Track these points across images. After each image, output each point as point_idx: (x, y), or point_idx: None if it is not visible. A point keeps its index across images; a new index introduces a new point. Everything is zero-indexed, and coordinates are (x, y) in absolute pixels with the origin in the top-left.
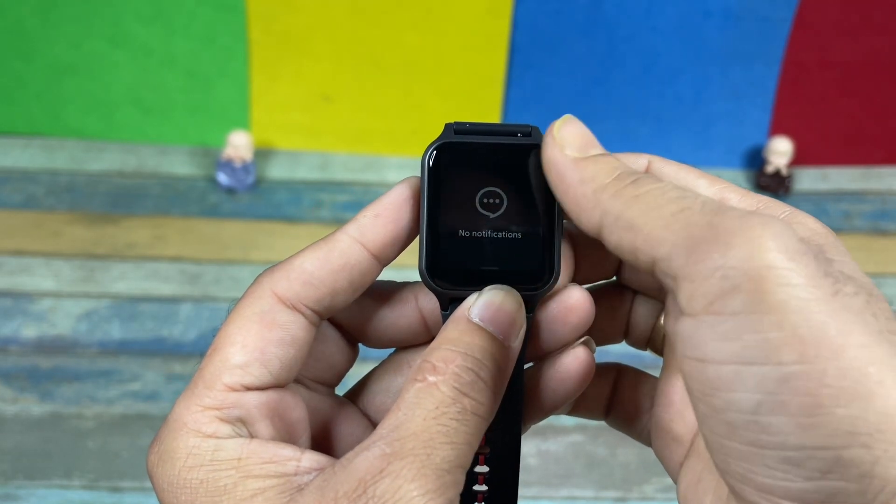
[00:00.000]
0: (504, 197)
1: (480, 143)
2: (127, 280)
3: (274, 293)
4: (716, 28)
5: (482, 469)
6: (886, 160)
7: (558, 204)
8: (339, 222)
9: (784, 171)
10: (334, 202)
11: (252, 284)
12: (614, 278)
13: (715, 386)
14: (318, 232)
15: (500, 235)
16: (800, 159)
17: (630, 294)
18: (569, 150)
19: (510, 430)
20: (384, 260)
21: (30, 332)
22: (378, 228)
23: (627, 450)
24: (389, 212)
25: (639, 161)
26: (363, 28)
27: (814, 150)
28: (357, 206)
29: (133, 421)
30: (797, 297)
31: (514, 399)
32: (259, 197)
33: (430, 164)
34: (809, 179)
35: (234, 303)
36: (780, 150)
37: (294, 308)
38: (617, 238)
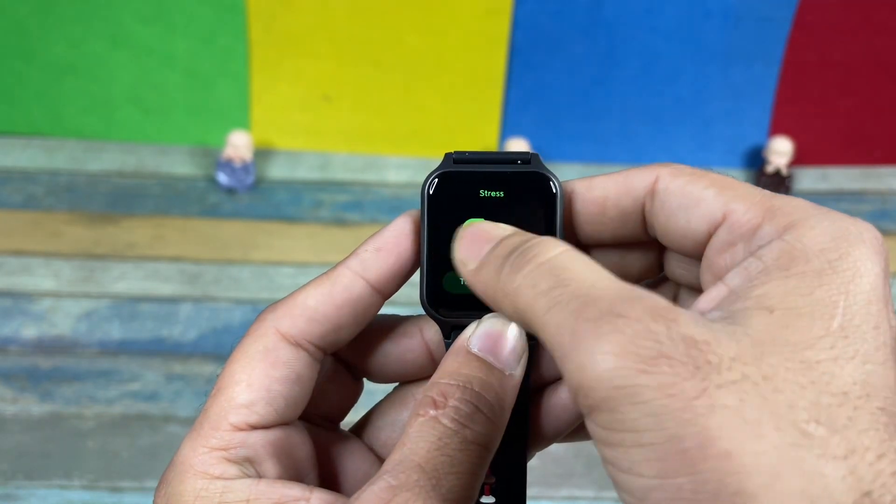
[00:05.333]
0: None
1: (480, 171)
2: (127, 280)
3: (277, 330)
4: (716, 28)
5: (488, 500)
6: (886, 160)
7: (560, 231)
8: (339, 222)
9: (784, 171)
10: (334, 202)
11: (255, 322)
12: (662, 273)
13: (610, 478)
14: (318, 232)
15: None
16: (800, 159)
17: (673, 288)
18: (468, 263)
19: (515, 458)
20: (387, 293)
21: (30, 332)
22: (380, 262)
23: None
24: (391, 245)
25: (646, 178)
26: (363, 28)
27: (814, 149)
28: (357, 206)
29: (133, 421)
30: (650, 413)
31: (518, 427)
32: (259, 197)
33: (430, 193)
34: (809, 179)
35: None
36: (780, 150)
37: (298, 345)
38: (528, 331)
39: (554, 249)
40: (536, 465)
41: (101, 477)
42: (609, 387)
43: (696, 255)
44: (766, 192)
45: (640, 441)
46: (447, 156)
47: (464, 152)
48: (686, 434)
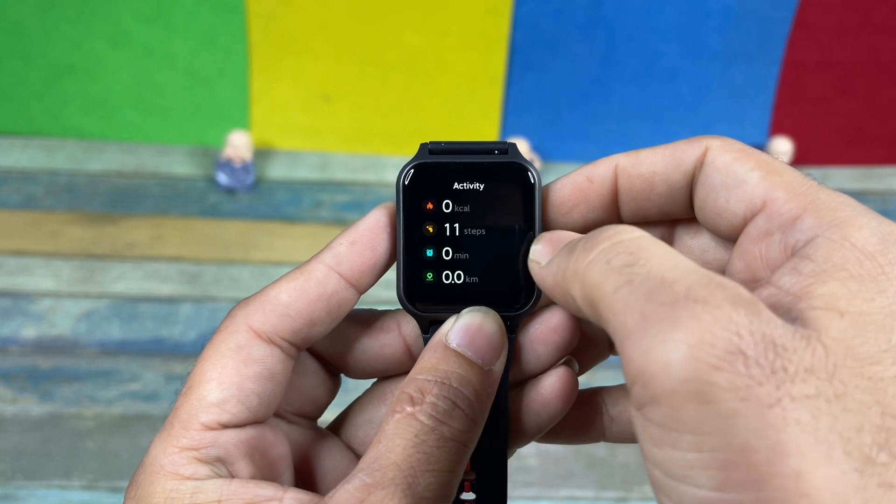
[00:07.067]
0: (482, 217)
1: (456, 162)
2: (127, 280)
3: (249, 327)
4: (716, 28)
5: (469, 496)
6: (887, 160)
7: (539, 222)
8: (339, 222)
9: None
10: (334, 202)
11: (226, 318)
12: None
13: (653, 484)
14: (318, 232)
15: (479, 256)
16: (800, 159)
17: None
18: (541, 259)
19: (495, 454)
20: (362, 288)
21: (29, 332)
22: (355, 256)
23: (627, 450)
24: (366, 238)
25: (695, 150)
26: (363, 28)
27: (814, 150)
28: (357, 206)
29: (133, 421)
30: (718, 416)
31: (498, 423)
32: (259, 197)
33: (406, 184)
34: None
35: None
36: (781, 150)
37: (270, 341)
38: (595, 320)
39: (633, 232)
40: (536, 465)
41: (101, 477)
42: (676, 379)
43: (729, 237)
44: (813, 183)
45: (700, 445)
46: (423, 146)
47: (439, 142)
48: (758, 445)
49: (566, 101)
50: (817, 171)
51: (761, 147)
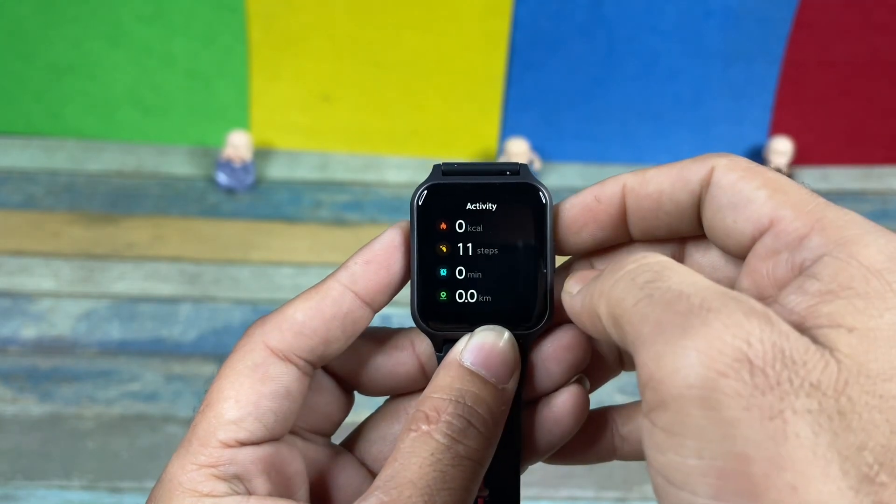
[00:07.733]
0: (495, 237)
1: (469, 183)
2: (126, 280)
3: (266, 345)
4: (716, 28)
5: None
6: (887, 160)
7: (550, 242)
8: (339, 222)
9: (784, 171)
10: (334, 202)
11: (243, 336)
12: None
13: (655, 491)
14: (318, 232)
15: (492, 275)
16: (800, 159)
17: None
18: (572, 290)
19: (508, 471)
20: (377, 306)
21: (29, 332)
22: (370, 275)
23: None
24: (381, 258)
25: (701, 169)
26: (363, 28)
27: (814, 149)
28: (357, 206)
29: (132, 421)
30: (721, 422)
31: (511, 440)
32: (259, 197)
33: (420, 205)
34: (810, 179)
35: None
36: (781, 150)
37: (287, 359)
38: (618, 338)
39: (658, 256)
40: (537, 465)
41: (101, 477)
42: (682, 384)
43: (739, 255)
44: (821, 200)
45: (701, 452)
46: (436, 167)
47: (452, 163)
48: (756, 456)
49: (566, 101)
50: (817, 171)
51: (761, 146)
